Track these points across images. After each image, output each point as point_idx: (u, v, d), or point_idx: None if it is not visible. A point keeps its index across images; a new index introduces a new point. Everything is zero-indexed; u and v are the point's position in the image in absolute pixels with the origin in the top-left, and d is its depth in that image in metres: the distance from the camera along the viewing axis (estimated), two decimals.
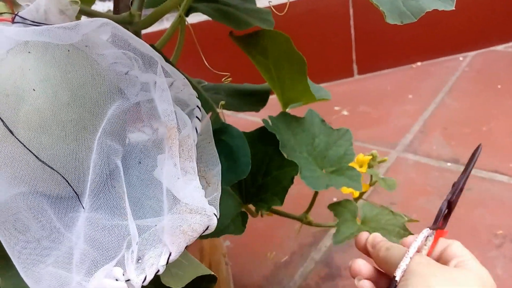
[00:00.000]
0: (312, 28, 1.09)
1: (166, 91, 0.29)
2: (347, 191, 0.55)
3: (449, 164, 0.83)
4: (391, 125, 0.97)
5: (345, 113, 1.05)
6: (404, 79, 1.13)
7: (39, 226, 0.28)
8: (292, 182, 0.47)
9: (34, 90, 0.26)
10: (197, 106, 0.32)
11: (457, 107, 0.98)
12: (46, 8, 0.28)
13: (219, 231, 0.41)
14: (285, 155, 0.47)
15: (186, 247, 0.26)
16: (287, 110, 0.55)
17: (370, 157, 0.57)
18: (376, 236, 0.38)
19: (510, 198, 0.73)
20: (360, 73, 1.19)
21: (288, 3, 0.41)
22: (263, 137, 0.48)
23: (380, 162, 0.59)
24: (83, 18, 0.36)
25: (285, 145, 0.49)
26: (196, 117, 0.31)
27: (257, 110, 0.51)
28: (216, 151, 0.32)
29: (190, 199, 0.26)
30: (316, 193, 0.57)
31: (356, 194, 0.57)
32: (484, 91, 1.00)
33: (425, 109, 0.99)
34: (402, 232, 0.49)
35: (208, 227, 0.25)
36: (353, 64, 1.17)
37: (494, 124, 0.89)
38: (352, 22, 1.10)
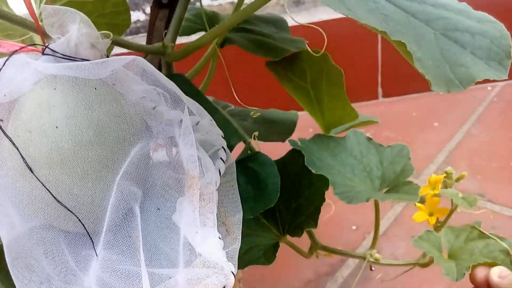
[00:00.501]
0: (339, 48, 1.07)
1: (191, 134, 0.28)
2: (421, 219, 0.47)
3: None
4: (414, 153, 0.94)
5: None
6: (430, 106, 1.10)
7: (52, 262, 0.27)
8: (324, 199, 0.44)
9: (57, 127, 0.26)
10: (222, 147, 0.31)
11: (484, 139, 0.94)
12: (77, 41, 0.27)
13: (247, 262, 0.39)
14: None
15: None
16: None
17: (444, 175, 0.48)
18: (503, 270, 0.34)
19: None
20: (385, 96, 1.17)
21: (326, 41, 0.40)
22: (293, 160, 0.45)
23: (458, 179, 0.50)
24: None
25: (320, 166, 0.46)
26: (221, 158, 0.30)
27: (283, 140, 0.50)
28: (238, 195, 0.31)
29: (208, 254, 0.25)
30: (377, 223, 0.51)
31: (433, 221, 0.48)
32: (510, 123, 0.97)
33: (451, 139, 0.96)
34: (505, 259, 0.40)
35: (225, 287, 0.24)
36: (378, 87, 1.15)
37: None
38: (379, 44, 1.09)
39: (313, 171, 0.44)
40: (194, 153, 0.27)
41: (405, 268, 0.68)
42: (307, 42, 0.48)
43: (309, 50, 0.44)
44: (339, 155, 0.50)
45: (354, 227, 0.78)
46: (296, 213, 0.45)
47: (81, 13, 0.27)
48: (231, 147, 0.41)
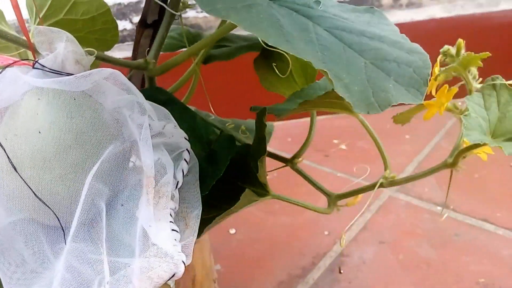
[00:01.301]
0: None
1: (149, 139, 0.32)
2: (432, 114, 0.42)
3: (439, 208, 0.85)
4: (359, 173, 1.00)
5: (343, 147, 1.08)
6: None
7: (31, 252, 0.31)
8: None
9: (39, 132, 0.29)
10: (187, 149, 0.35)
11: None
12: (63, 57, 0.31)
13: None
14: None
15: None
16: None
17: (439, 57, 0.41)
18: None
19: (495, 248, 0.74)
20: None
21: None
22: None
23: (458, 51, 0.42)
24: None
25: None
26: (184, 159, 0.34)
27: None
28: (199, 192, 0.34)
29: (161, 245, 0.29)
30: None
31: (442, 110, 0.41)
32: None
33: (421, 150, 1.01)
34: None
35: (174, 274, 0.28)
36: None
37: (486, 172, 0.91)
38: None
39: None
40: (150, 156, 0.31)
41: (374, 272, 0.72)
42: None
43: None
44: None
45: (326, 232, 0.82)
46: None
47: (67, 32, 0.31)
48: (210, 141, 0.45)
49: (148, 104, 0.32)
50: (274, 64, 0.45)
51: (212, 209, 0.43)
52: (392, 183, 0.49)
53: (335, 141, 1.09)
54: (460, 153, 0.44)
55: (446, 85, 0.43)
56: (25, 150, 0.29)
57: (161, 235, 0.29)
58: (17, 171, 0.29)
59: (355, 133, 1.12)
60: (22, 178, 0.29)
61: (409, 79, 0.27)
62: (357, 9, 0.34)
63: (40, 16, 0.40)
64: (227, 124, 0.48)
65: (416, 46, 0.31)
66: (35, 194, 0.29)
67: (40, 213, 0.30)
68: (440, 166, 0.47)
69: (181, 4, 0.41)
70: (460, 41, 0.44)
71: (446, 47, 0.44)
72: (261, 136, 0.41)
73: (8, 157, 0.29)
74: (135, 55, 0.44)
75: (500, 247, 0.74)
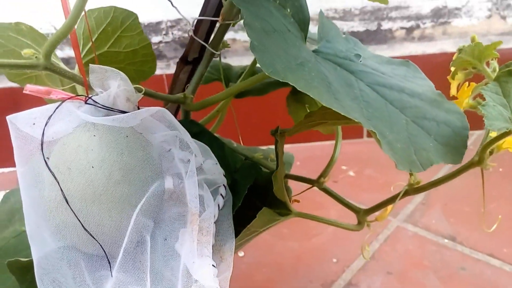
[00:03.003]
0: None
1: (195, 176, 0.33)
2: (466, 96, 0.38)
3: (446, 240, 0.86)
4: (395, 192, 1.01)
5: (352, 173, 1.09)
6: None
7: (72, 277, 0.32)
8: None
9: (92, 167, 0.31)
10: (223, 184, 0.37)
11: (459, 184, 1.00)
12: (115, 95, 0.33)
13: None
14: None
15: None
16: None
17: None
18: None
19: (501, 284, 0.75)
20: (369, 136, 1.24)
21: None
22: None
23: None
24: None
25: None
26: (221, 194, 0.36)
27: None
28: (232, 225, 0.36)
29: (203, 281, 0.30)
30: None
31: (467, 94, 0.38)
32: (487, 172, 1.04)
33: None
34: None
35: None
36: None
37: (493, 206, 0.92)
38: None
39: None
40: (196, 193, 0.33)
41: None
42: None
43: None
44: None
45: (334, 260, 0.83)
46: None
47: (121, 72, 0.33)
48: (236, 169, 0.46)
49: (192, 141, 0.34)
50: (307, 105, 0.47)
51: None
52: (417, 189, 0.46)
53: (344, 167, 1.11)
54: (486, 147, 0.39)
55: (466, 83, 0.41)
56: (77, 183, 0.31)
57: (203, 271, 0.31)
58: (68, 204, 0.30)
59: (363, 160, 1.13)
60: (73, 211, 0.30)
61: (448, 139, 0.29)
62: (392, 62, 0.36)
63: (86, 50, 0.42)
64: (257, 154, 0.50)
65: (453, 105, 0.32)
66: (83, 226, 0.31)
67: (85, 243, 0.32)
68: (467, 165, 0.42)
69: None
70: (474, 35, 0.42)
71: (461, 45, 0.40)
72: (277, 154, 0.43)
73: (61, 189, 0.30)
74: (172, 88, 0.46)
75: (506, 283, 0.75)
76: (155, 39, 1.07)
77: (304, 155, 1.10)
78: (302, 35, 0.31)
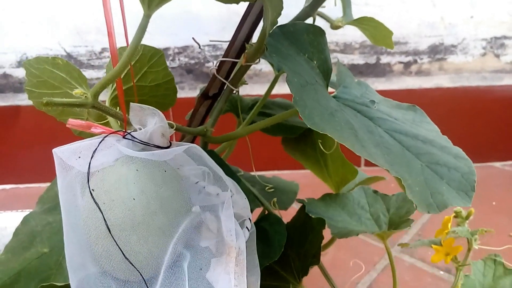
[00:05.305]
0: None
1: (230, 209, 0.36)
2: (438, 259, 0.48)
3: (441, 272, 0.88)
4: None
5: None
6: None
7: None
8: (322, 237, 0.47)
9: (134, 199, 0.33)
10: (248, 218, 0.39)
11: None
12: (152, 131, 0.35)
13: None
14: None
15: None
16: None
17: (454, 214, 0.49)
18: None
19: None
20: (366, 165, 1.27)
21: None
22: (299, 216, 0.49)
23: (467, 217, 0.51)
24: None
25: (325, 216, 0.49)
26: (246, 227, 0.38)
27: (286, 209, 0.58)
28: (257, 258, 0.38)
29: None
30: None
31: (448, 260, 0.49)
32: (480, 205, 1.07)
33: (424, 214, 1.06)
34: None
35: None
36: (361, 158, 1.25)
37: (486, 240, 0.95)
38: None
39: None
40: (232, 226, 0.35)
41: None
42: None
43: None
44: (347, 207, 0.53)
45: None
46: (305, 258, 0.49)
47: (159, 111, 0.36)
48: (251, 211, 0.48)
49: (226, 176, 0.37)
50: (319, 140, 0.50)
51: None
52: None
53: None
54: None
55: (453, 239, 0.50)
56: (118, 214, 0.33)
57: None
58: (111, 234, 0.32)
59: None
60: (115, 241, 0.32)
61: (458, 183, 0.32)
62: (400, 106, 0.39)
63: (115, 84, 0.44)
64: (267, 188, 0.52)
65: (460, 151, 0.35)
66: (124, 255, 0.33)
67: (121, 269, 0.34)
68: None
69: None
70: (471, 210, 0.52)
71: (458, 208, 0.51)
72: None
73: (105, 220, 0.33)
74: (191, 121, 0.48)
75: None
76: None
77: (305, 181, 1.13)
78: (325, 83, 0.34)
